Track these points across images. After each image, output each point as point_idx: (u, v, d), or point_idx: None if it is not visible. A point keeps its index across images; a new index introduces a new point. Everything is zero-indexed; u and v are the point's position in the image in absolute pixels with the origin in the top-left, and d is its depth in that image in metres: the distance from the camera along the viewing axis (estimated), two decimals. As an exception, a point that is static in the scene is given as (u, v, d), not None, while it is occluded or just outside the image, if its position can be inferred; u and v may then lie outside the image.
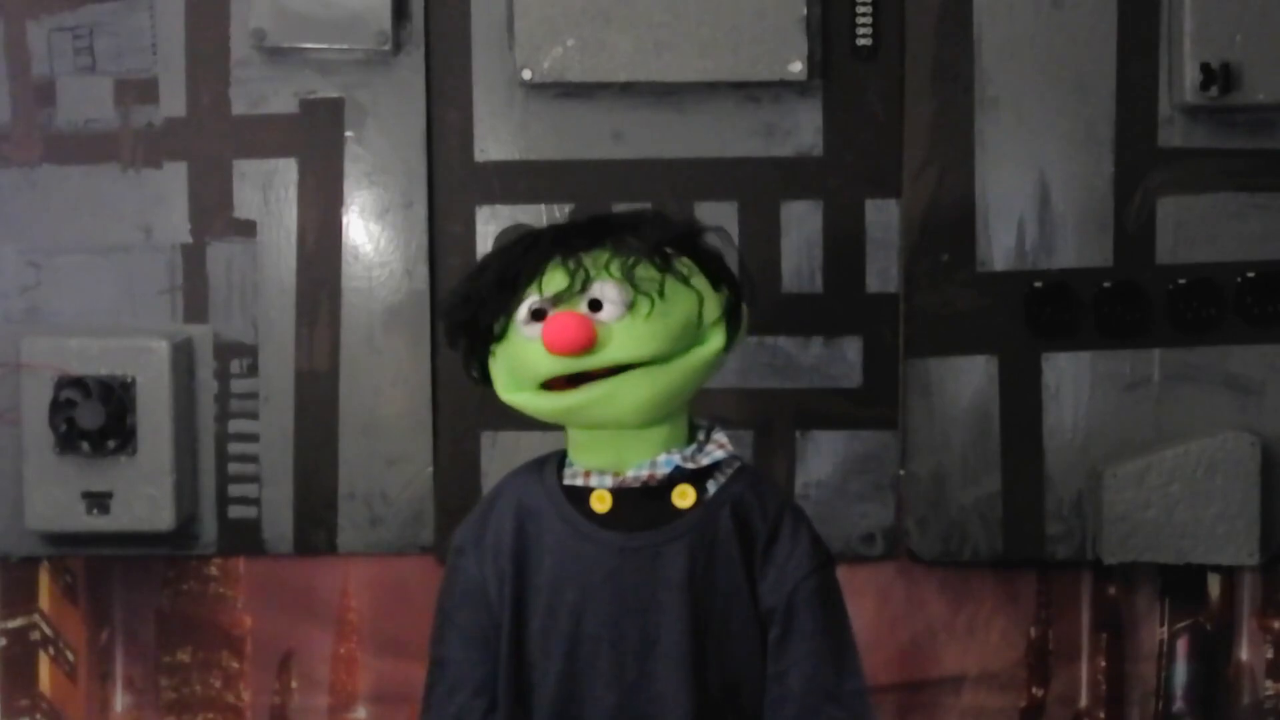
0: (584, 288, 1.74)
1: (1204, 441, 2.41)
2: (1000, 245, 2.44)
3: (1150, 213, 2.43)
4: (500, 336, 1.79)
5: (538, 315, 1.76)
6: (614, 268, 1.75)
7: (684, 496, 1.81)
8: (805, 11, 2.37)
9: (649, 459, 1.80)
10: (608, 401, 1.75)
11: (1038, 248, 2.44)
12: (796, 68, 2.38)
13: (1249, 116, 2.41)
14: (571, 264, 1.75)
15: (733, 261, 1.87)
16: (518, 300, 1.77)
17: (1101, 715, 2.56)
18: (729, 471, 1.85)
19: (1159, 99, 2.42)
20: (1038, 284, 2.44)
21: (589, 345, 1.72)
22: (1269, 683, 2.56)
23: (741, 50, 2.37)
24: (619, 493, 1.81)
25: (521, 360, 1.77)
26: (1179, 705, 2.56)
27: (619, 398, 1.75)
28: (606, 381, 1.74)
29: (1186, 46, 2.36)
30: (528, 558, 1.83)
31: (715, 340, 1.81)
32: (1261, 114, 2.40)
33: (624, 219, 1.83)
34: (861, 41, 2.43)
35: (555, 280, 1.75)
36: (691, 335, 1.79)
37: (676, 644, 1.79)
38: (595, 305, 1.75)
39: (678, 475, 1.81)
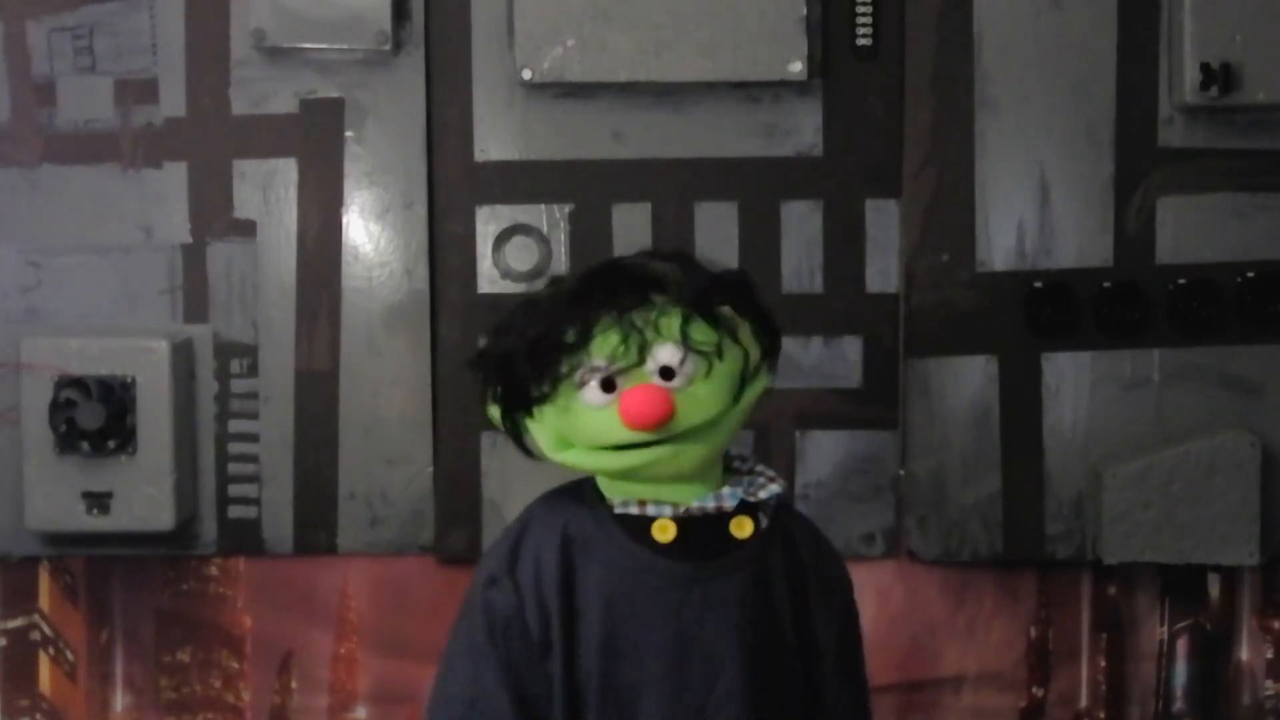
0: (643, 355, 1.70)
1: (1204, 441, 2.41)
2: (1000, 245, 2.44)
3: (1150, 213, 2.43)
4: (547, 398, 1.74)
5: (608, 386, 1.71)
6: (669, 327, 1.71)
7: (742, 528, 1.77)
8: (805, 11, 2.37)
9: (701, 495, 1.77)
10: (672, 461, 1.72)
11: (1038, 248, 2.44)
12: (796, 68, 2.38)
13: (1249, 116, 2.41)
14: (626, 327, 1.70)
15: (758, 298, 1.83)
16: (569, 367, 1.72)
17: (1101, 715, 2.56)
18: (771, 504, 1.82)
19: (1159, 99, 2.42)
20: (1038, 284, 2.44)
21: (670, 418, 1.69)
22: (1269, 683, 2.57)
23: (741, 50, 2.37)
24: (681, 523, 1.76)
25: (587, 427, 1.72)
26: (1179, 705, 2.56)
27: (683, 456, 1.72)
28: (671, 444, 1.71)
29: (1186, 46, 2.36)
30: (575, 588, 1.77)
31: (761, 382, 1.79)
32: (1261, 114, 2.40)
33: (666, 270, 1.75)
34: (861, 41, 2.43)
35: (611, 344, 1.70)
36: (740, 384, 1.76)
37: (737, 676, 1.76)
38: (665, 373, 1.71)
39: (737, 507, 1.79)
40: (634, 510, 1.77)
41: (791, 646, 1.81)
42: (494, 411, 1.82)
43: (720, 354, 1.72)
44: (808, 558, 1.83)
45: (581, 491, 1.83)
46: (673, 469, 1.73)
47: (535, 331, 1.73)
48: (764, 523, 1.80)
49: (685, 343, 1.71)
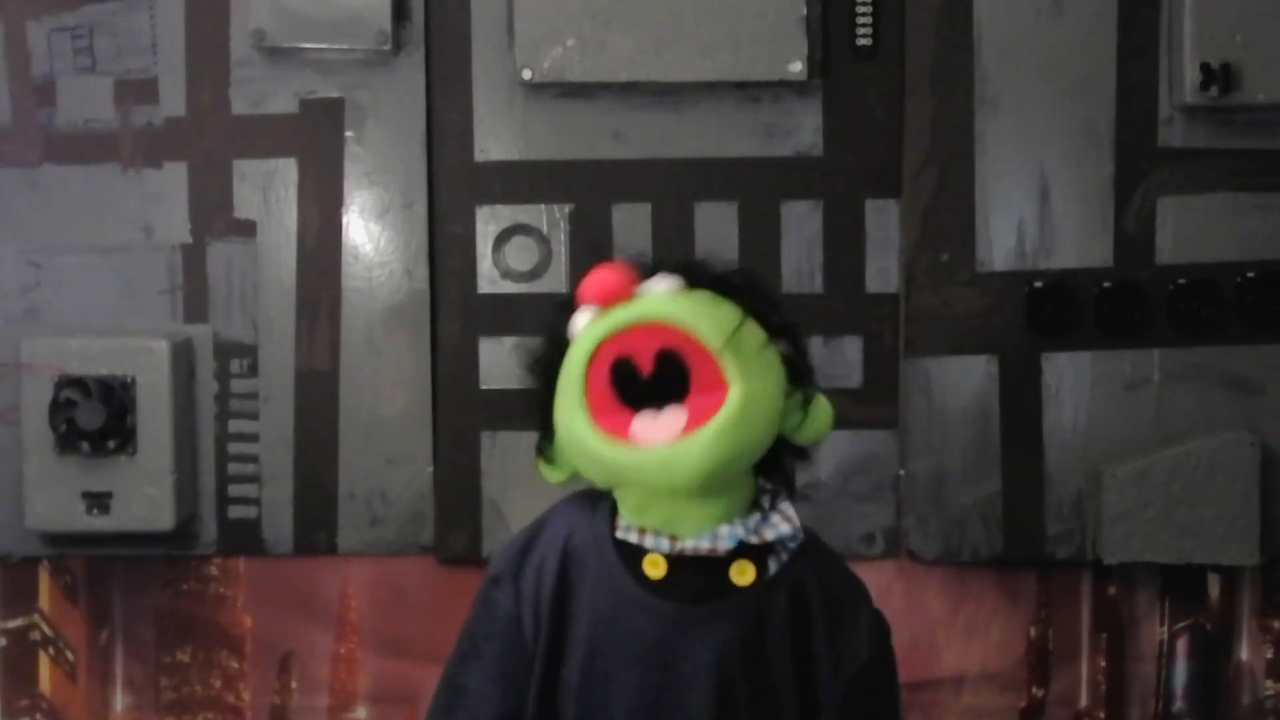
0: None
1: (1204, 441, 2.41)
2: (1000, 245, 2.44)
3: (1150, 213, 2.43)
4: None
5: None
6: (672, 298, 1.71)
7: (743, 574, 1.71)
8: (805, 11, 2.37)
9: (708, 526, 1.70)
10: (664, 468, 1.65)
11: (1038, 248, 2.44)
12: (796, 68, 2.38)
13: (1249, 116, 2.41)
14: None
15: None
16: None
17: (1101, 715, 2.56)
18: (792, 547, 1.74)
19: (1159, 99, 2.42)
20: (1038, 284, 2.44)
21: (627, 291, 1.69)
22: (1269, 683, 2.57)
23: (741, 50, 2.37)
24: (675, 560, 1.71)
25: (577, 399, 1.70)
26: (1179, 705, 2.56)
27: (675, 465, 1.64)
28: (666, 448, 1.65)
29: (1186, 46, 2.36)
30: (568, 606, 1.75)
31: (796, 413, 1.75)
32: (1261, 114, 2.40)
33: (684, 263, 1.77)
34: (861, 41, 2.43)
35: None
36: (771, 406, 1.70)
37: None
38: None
39: (738, 549, 1.71)
40: (633, 538, 1.73)
41: (785, 703, 1.74)
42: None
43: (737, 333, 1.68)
44: (817, 607, 1.75)
45: (597, 506, 1.78)
46: (666, 480, 1.66)
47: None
48: (772, 569, 1.73)
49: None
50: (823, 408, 1.78)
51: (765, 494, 1.78)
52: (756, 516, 1.73)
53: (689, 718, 1.71)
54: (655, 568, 1.71)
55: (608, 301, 1.70)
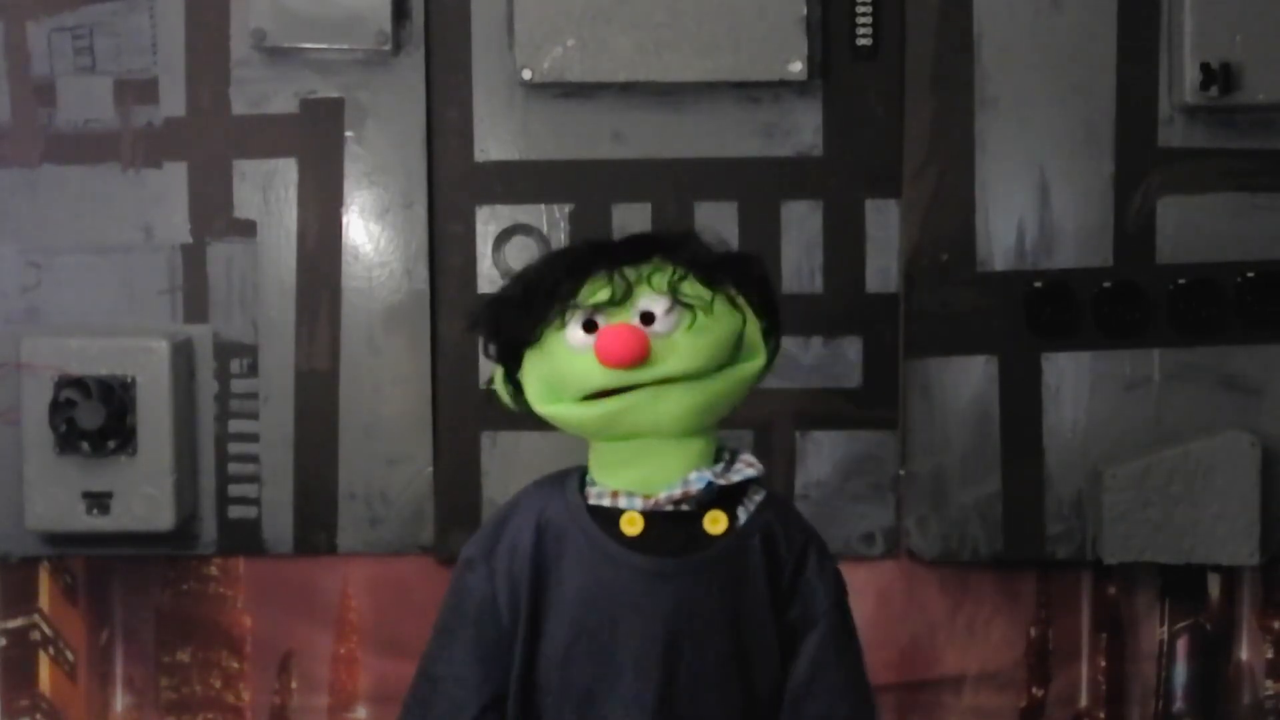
0: (627, 298, 1.73)
1: (1204, 441, 2.41)
2: (1000, 245, 2.44)
3: (1150, 213, 2.43)
4: (533, 343, 1.77)
5: (589, 327, 1.74)
6: (659, 281, 1.74)
7: (716, 523, 1.77)
8: (805, 11, 2.37)
9: (679, 479, 1.76)
10: (649, 407, 1.72)
11: (1038, 248, 2.44)
12: (796, 68, 2.38)
13: (1249, 116, 2.41)
14: (617, 277, 1.74)
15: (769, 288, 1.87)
16: (556, 310, 1.75)
17: (1101, 715, 2.56)
18: (757, 499, 1.81)
19: (1159, 99, 2.42)
20: (1038, 284, 2.44)
21: (643, 358, 1.70)
22: (1269, 683, 2.57)
23: (741, 50, 2.37)
24: (650, 515, 1.76)
25: (566, 372, 1.75)
26: (1179, 705, 2.56)
27: (661, 403, 1.72)
28: (650, 389, 1.72)
29: (1186, 46, 2.36)
30: (547, 575, 1.78)
31: (757, 359, 1.80)
32: (1261, 114, 2.40)
33: (670, 237, 1.80)
34: (861, 41, 2.43)
35: (598, 292, 1.74)
36: (733, 353, 1.78)
37: (703, 673, 1.76)
38: (646, 319, 1.74)
39: (708, 500, 1.77)
40: (606, 502, 1.78)
41: (765, 644, 1.79)
42: (498, 373, 1.84)
43: (710, 310, 1.74)
44: (785, 554, 1.81)
45: (565, 481, 1.83)
46: (651, 419, 1.73)
47: (530, 278, 1.77)
48: (742, 518, 1.79)
49: (673, 295, 1.73)
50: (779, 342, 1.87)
51: (724, 450, 1.84)
52: (721, 464, 1.80)
53: (676, 668, 1.75)
54: (632, 525, 1.76)
55: (628, 367, 1.72)
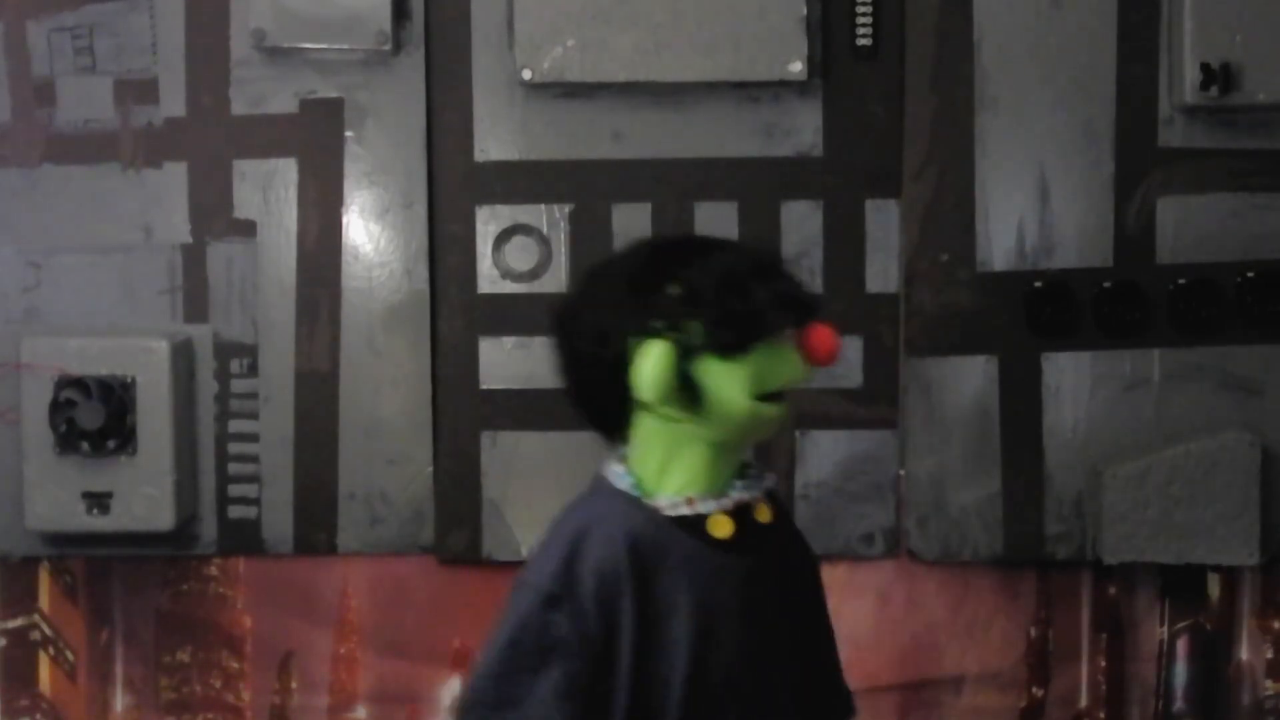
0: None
1: (1204, 441, 2.41)
2: (1000, 245, 2.44)
3: (1150, 213, 2.43)
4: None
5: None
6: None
7: (764, 514, 1.81)
8: (805, 11, 2.37)
9: (726, 481, 1.79)
10: (783, 414, 1.79)
11: (1038, 248, 2.44)
12: (796, 68, 2.38)
13: (1249, 116, 2.41)
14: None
15: None
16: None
17: (1101, 715, 2.56)
18: (765, 484, 1.87)
19: (1159, 99, 2.42)
20: (1038, 284, 2.44)
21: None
22: (1269, 683, 2.56)
23: (741, 50, 2.37)
24: (733, 515, 1.78)
25: (769, 368, 1.76)
26: (1179, 705, 2.56)
27: (785, 412, 1.80)
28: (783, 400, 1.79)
29: (1186, 46, 2.36)
30: (649, 592, 1.73)
31: None
32: (1261, 114, 2.40)
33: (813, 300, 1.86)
34: (861, 41, 2.43)
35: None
36: None
37: (792, 657, 1.83)
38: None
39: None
40: (685, 510, 1.76)
41: (822, 618, 1.90)
42: (664, 363, 1.73)
43: None
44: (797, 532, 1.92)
45: (617, 494, 1.78)
46: (776, 426, 1.80)
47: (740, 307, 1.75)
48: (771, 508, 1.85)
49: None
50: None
51: None
52: (748, 469, 1.85)
53: (774, 657, 1.80)
54: (723, 528, 1.77)
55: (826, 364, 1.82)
